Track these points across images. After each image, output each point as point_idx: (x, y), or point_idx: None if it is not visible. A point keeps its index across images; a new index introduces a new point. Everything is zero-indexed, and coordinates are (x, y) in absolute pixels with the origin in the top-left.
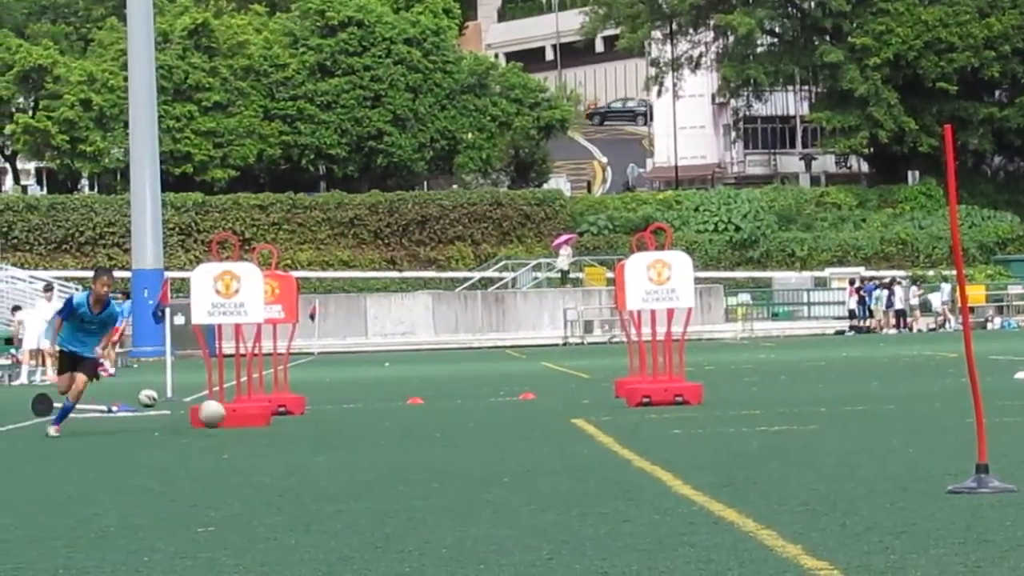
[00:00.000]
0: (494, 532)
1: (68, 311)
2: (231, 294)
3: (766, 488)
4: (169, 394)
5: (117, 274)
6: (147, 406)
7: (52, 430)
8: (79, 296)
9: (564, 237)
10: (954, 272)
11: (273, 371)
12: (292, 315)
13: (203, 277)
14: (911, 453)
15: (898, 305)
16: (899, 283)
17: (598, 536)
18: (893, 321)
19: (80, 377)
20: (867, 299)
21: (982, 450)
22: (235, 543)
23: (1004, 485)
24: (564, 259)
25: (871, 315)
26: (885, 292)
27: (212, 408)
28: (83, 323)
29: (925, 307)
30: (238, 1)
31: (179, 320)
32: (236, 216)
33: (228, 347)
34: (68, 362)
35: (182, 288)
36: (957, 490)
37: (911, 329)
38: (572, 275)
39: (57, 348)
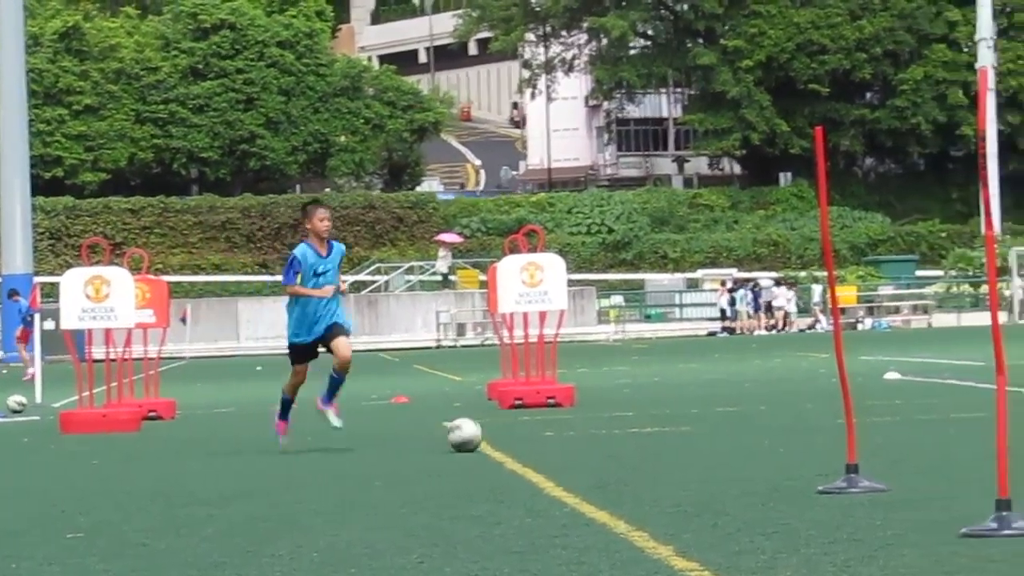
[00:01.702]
0: (366, 535)
1: (293, 270)
2: (101, 298)
3: (638, 490)
4: (39, 399)
5: None
6: (15, 412)
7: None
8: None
9: (447, 235)
10: (825, 273)
11: (144, 376)
12: (163, 320)
13: (73, 281)
14: (782, 454)
15: (785, 306)
16: (782, 284)
17: (470, 538)
18: (767, 321)
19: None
20: (740, 300)
21: (852, 450)
22: (105, 549)
23: (874, 485)
24: (443, 262)
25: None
26: (750, 293)
27: (469, 431)
28: (316, 276)
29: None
30: (109, 4)
31: (48, 325)
32: (107, 220)
33: (99, 352)
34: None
35: (52, 293)
36: (827, 490)
37: (786, 329)
38: (450, 277)
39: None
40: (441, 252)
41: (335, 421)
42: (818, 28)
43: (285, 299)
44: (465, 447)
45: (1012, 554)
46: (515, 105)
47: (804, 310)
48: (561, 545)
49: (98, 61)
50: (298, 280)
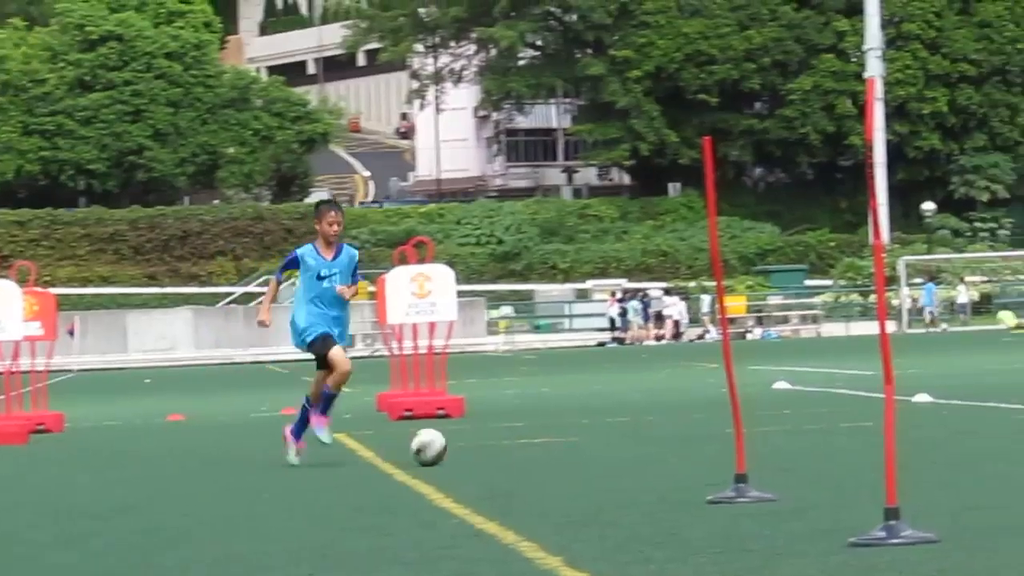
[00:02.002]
0: (256, 548)
1: (284, 266)
2: None
3: (528, 500)
4: None
5: None
6: None
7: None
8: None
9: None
10: (715, 283)
11: (31, 389)
12: (51, 333)
13: None
14: (672, 463)
15: (675, 316)
16: (673, 294)
17: (359, 550)
18: (656, 332)
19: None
20: (630, 311)
21: (740, 460)
22: None
23: (763, 494)
24: None
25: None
26: (640, 304)
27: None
28: (319, 280)
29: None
30: None
31: None
32: None
33: None
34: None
35: None
36: (717, 500)
37: (676, 340)
38: None
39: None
40: None
41: (325, 437)
42: (707, 38)
43: (174, 311)
44: (432, 459)
45: (900, 563)
46: (404, 116)
47: (695, 320)
48: (451, 556)
49: None
50: (284, 277)
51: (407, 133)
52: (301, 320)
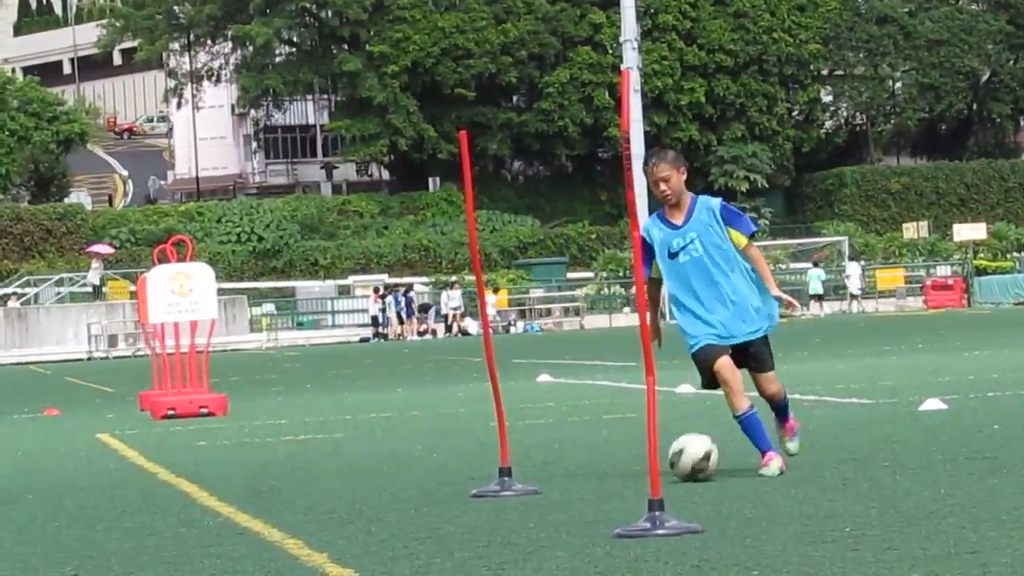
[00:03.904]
0: (18, 550)
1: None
2: None
3: (292, 497)
4: None
5: None
6: None
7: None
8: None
9: (98, 247)
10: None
11: None
12: None
13: None
14: (436, 458)
15: (444, 310)
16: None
17: (123, 550)
18: (418, 327)
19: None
20: (389, 306)
21: (504, 454)
22: None
23: (527, 487)
24: (95, 273)
25: (398, 322)
26: (403, 299)
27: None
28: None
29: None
30: None
31: None
32: None
33: None
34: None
35: None
36: (481, 494)
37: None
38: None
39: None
40: (93, 263)
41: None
42: (463, 32)
43: None
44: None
45: (666, 553)
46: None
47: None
48: (215, 555)
49: None
50: (653, 270)
51: (124, 133)
52: (685, 325)
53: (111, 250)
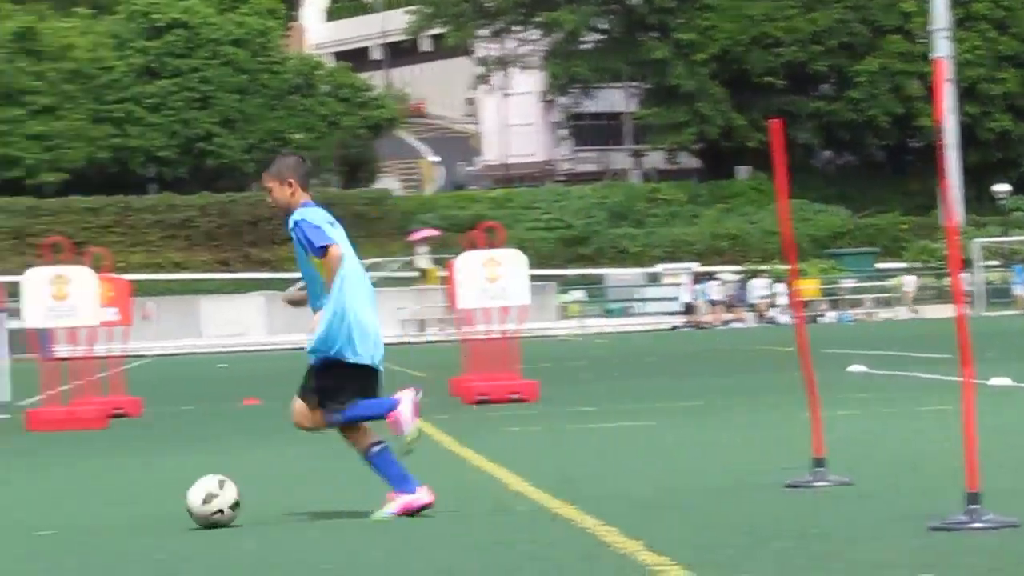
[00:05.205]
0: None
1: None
2: (64, 297)
3: (605, 484)
4: (7, 397)
5: None
6: None
7: None
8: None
9: (424, 231)
10: (785, 267)
11: (108, 373)
12: (127, 318)
13: (35, 281)
14: (748, 447)
15: (753, 299)
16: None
17: (436, 534)
18: (728, 316)
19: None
20: (700, 294)
21: (818, 443)
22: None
23: (840, 478)
24: (424, 258)
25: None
26: (712, 285)
27: None
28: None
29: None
30: (61, 3)
31: (12, 324)
32: (67, 219)
33: (65, 350)
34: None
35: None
36: (794, 484)
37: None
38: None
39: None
40: (419, 249)
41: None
42: (772, 20)
43: (246, 296)
44: None
45: (982, 547)
46: (469, 101)
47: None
48: (528, 540)
49: (54, 61)
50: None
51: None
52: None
53: (436, 233)
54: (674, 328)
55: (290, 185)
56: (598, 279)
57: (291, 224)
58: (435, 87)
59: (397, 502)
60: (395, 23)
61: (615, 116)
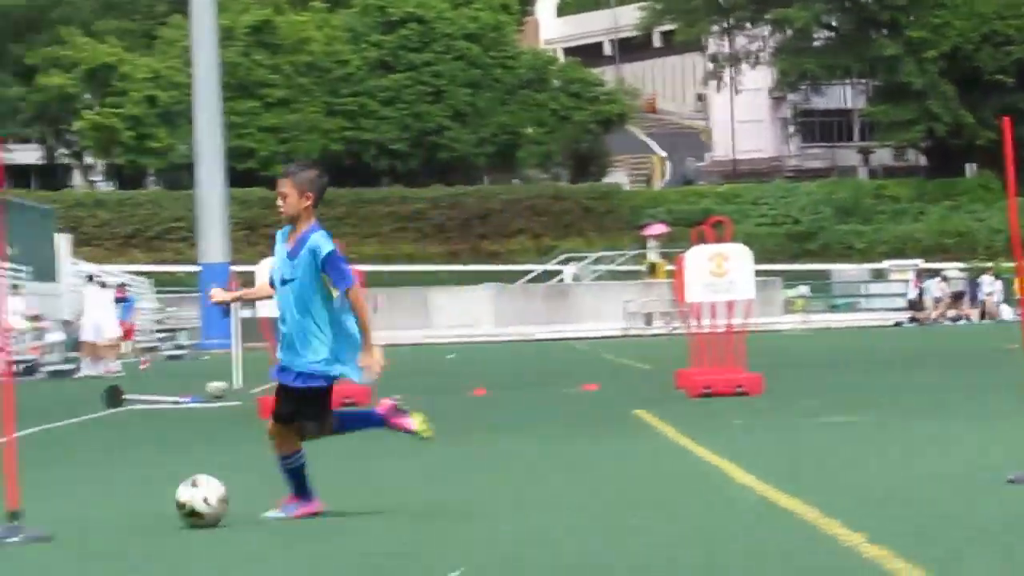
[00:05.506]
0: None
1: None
2: None
3: (830, 478)
4: (239, 384)
5: (183, 268)
6: (217, 397)
7: None
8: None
9: (656, 228)
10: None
11: None
12: None
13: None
14: (972, 441)
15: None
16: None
17: (654, 527)
18: (955, 312)
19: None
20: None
21: None
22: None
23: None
24: (653, 252)
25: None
26: (935, 282)
27: None
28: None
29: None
30: None
31: (245, 313)
32: None
33: None
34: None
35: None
36: (1019, 479)
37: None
38: (644, 266)
39: None
40: (650, 243)
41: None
42: (1003, 18)
43: (475, 288)
44: None
45: None
46: (700, 97)
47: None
48: (751, 532)
49: (289, 54)
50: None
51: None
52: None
53: (666, 229)
54: (898, 324)
55: (308, 198)
56: (823, 275)
57: (317, 250)
58: (665, 83)
59: (296, 507)
60: (626, 18)
61: (843, 113)
